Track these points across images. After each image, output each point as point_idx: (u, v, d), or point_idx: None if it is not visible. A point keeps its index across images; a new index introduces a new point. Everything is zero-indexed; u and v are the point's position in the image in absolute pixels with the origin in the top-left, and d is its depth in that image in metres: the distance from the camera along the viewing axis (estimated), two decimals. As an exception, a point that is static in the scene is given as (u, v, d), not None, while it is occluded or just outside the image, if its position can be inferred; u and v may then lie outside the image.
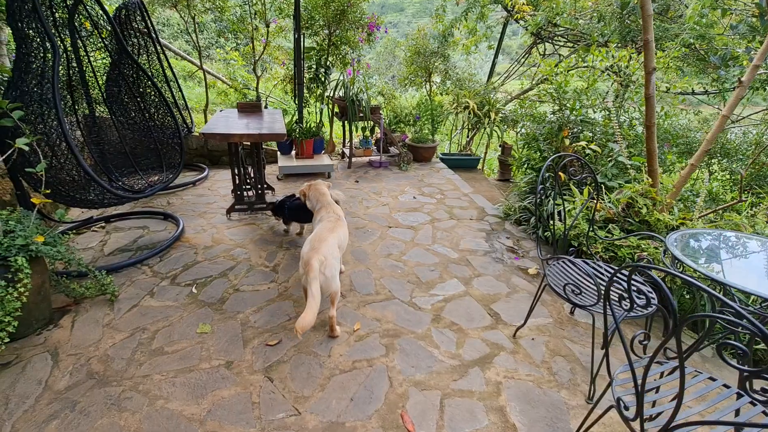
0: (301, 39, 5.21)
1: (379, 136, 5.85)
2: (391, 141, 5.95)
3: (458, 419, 1.84)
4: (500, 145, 6.22)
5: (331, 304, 2.29)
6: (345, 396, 1.94)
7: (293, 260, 3.13)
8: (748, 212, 2.81)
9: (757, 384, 1.06)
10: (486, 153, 6.77)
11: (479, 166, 6.52)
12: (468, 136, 6.80)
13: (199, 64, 5.76)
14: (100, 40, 3.14)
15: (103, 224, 3.60)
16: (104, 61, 3.38)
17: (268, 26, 5.51)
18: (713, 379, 1.48)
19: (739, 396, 1.42)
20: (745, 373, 0.85)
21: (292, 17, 5.14)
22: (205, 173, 4.93)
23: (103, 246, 3.24)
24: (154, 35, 4.12)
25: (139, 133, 3.60)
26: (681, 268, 1.76)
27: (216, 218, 3.82)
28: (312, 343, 2.27)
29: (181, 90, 4.78)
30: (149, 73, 3.54)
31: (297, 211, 3.28)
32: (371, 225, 3.81)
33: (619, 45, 4.96)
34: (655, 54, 3.93)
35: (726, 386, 1.45)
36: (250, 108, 4.23)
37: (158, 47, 4.23)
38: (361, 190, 4.77)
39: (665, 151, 3.79)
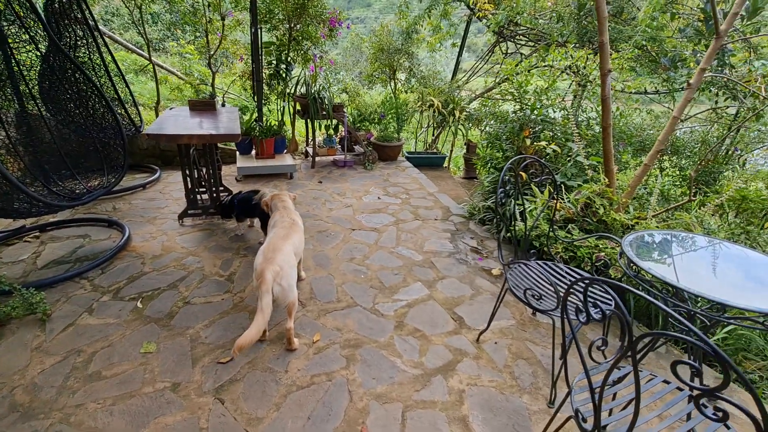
0: (259, 33, 4.98)
1: (343, 134, 5.71)
2: (355, 139, 5.83)
3: (420, 433, 1.78)
4: (465, 144, 6.24)
5: (288, 315, 2.17)
6: (302, 414, 1.83)
7: (250, 268, 2.96)
8: (696, 211, 2.93)
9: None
10: (452, 151, 6.79)
11: (445, 164, 6.53)
12: (433, 135, 6.79)
13: (148, 57, 5.39)
14: (24, 30, 2.82)
15: (38, 234, 3.28)
16: (32, 54, 3.05)
17: (223, 19, 5.23)
18: (667, 383, 1.49)
19: (691, 398, 1.44)
20: (698, 392, 0.82)
21: (248, 10, 4.90)
22: (157, 175, 4.63)
23: (36, 258, 2.94)
24: (92, 24, 3.79)
25: (77, 133, 3.29)
26: (636, 270, 1.78)
27: (167, 224, 3.58)
28: (268, 358, 2.14)
29: (127, 85, 4.43)
30: (83, 67, 3.23)
31: (245, 204, 3.21)
32: (334, 228, 3.69)
33: (577, 45, 5.07)
34: (610, 55, 4.03)
35: (680, 389, 1.46)
36: (203, 106, 3.98)
37: (99, 39, 3.89)
38: (325, 191, 4.63)
39: (621, 151, 3.90)
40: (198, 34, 5.57)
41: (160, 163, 5.12)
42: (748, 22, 3.88)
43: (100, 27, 5.42)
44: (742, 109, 4.61)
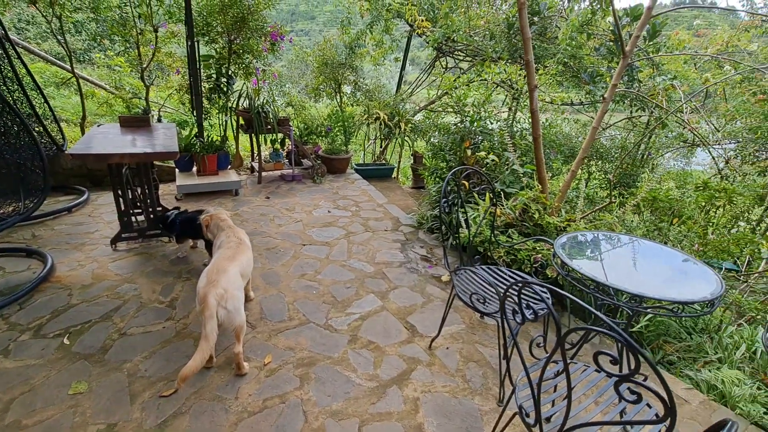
0: (196, 46, 4.81)
1: (290, 148, 5.64)
2: (303, 153, 5.78)
3: (377, 446, 1.78)
4: (412, 155, 6.42)
5: (237, 339, 2.08)
6: (255, 442, 1.76)
7: (194, 291, 2.80)
8: (617, 211, 3.25)
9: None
10: (400, 162, 6.95)
11: (394, 175, 6.66)
12: (381, 146, 6.91)
13: (71, 69, 4.98)
14: None
15: (-63, 269, 2.88)
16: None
17: (156, 31, 4.98)
18: (599, 371, 1.63)
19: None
20: (616, 379, 0.91)
21: (184, 23, 4.72)
22: (85, 197, 4.25)
23: (-65, 298, 2.57)
24: (2, 32, 3.45)
25: (-15, 155, 2.95)
26: (567, 269, 1.93)
27: (98, 250, 3.30)
28: (216, 386, 2.04)
29: (46, 100, 4.07)
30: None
31: (188, 224, 3.03)
32: (284, 244, 3.62)
33: (509, 61, 5.45)
34: (537, 71, 4.38)
35: (610, 376, 1.60)
36: (136, 122, 3.75)
37: (10, 49, 3.54)
38: (273, 207, 4.53)
39: (552, 158, 4.23)
40: (128, 45, 5.25)
41: (88, 183, 4.72)
42: (650, 43, 4.42)
43: (12, 36, 4.94)
44: (651, 118, 5.20)
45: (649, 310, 1.81)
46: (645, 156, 5.58)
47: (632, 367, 0.91)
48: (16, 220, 2.73)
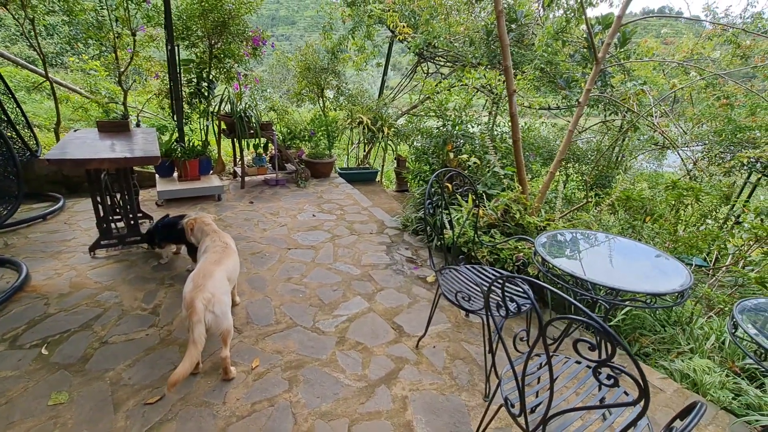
0: (176, 51, 4.76)
1: (273, 153, 5.62)
2: (286, 158, 5.77)
3: (367, 445, 1.80)
4: (396, 158, 6.48)
5: (224, 344, 2.07)
6: (244, 446, 1.76)
7: (178, 298, 2.77)
8: (594, 211, 3.38)
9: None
10: (383, 165, 7.00)
11: (378, 179, 6.70)
12: (365, 150, 6.96)
13: (44, 73, 4.85)
14: None
15: None
16: None
17: (134, 34, 4.90)
18: (579, 363, 1.69)
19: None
20: (594, 365, 0.97)
21: (163, 26, 4.67)
22: (60, 204, 4.13)
23: None
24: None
25: (-45, 161, 2.85)
26: (548, 266, 2.01)
27: (76, 258, 3.21)
28: (203, 392, 2.02)
29: (18, 105, 3.95)
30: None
31: (170, 228, 3.01)
32: (269, 248, 3.60)
33: (489, 66, 5.60)
34: (515, 77, 4.51)
35: (589, 367, 1.68)
36: (115, 127, 3.68)
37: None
38: (257, 212, 4.50)
39: (531, 161, 4.35)
40: (104, 49, 5.14)
41: (63, 190, 4.58)
42: (621, 50, 4.62)
43: (-19, 40, 4.76)
44: (624, 122, 5.43)
45: (626, 303, 1.90)
46: (619, 158, 5.81)
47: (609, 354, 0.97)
48: (-12, 228, 2.64)
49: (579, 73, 4.97)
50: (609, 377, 0.99)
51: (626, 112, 4.98)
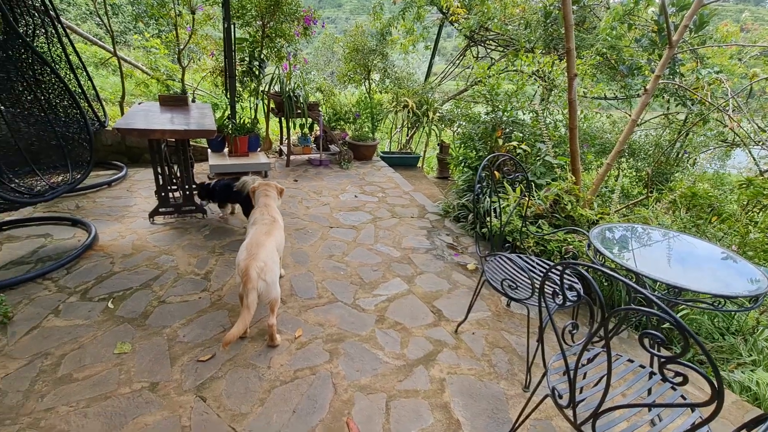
0: (232, 29, 4.89)
1: (318, 133, 5.70)
2: (331, 139, 5.83)
3: (404, 420, 1.83)
4: (438, 144, 6.38)
5: (271, 311, 2.16)
6: (287, 408, 1.84)
7: (227, 266, 2.92)
8: (653, 206, 3.17)
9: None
10: (425, 151, 6.92)
11: (419, 164, 6.64)
12: (407, 135, 6.90)
13: (112, 50, 5.15)
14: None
15: (-8, 233, 3.08)
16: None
17: (193, 13, 5.09)
18: (631, 361, 1.62)
19: (652, 375, 1.58)
20: (662, 360, 0.92)
21: (220, 5, 4.80)
22: (123, 172, 4.44)
23: (-8, 259, 2.76)
24: (53, 14, 3.59)
25: (37, 127, 3.11)
26: (602, 260, 1.91)
27: (137, 223, 3.45)
28: (250, 355, 2.13)
29: (90, 78, 4.23)
30: (47, 59, 3.07)
31: (227, 190, 3.38)
32: (312, 225, 3.69)
33: (544, 51, 5.33)
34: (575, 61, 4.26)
35: (642, 366, 1.60)
36: (174, 101, 3.87)
37: (59, 29, 3.69)
38: (301, 190, 4.61)
39: (585, 151, 4.14)
40: (163, 27, 5.38)
41: (126, 160, 4.91)
42: (696, 35, 4.23)
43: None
44: (690, 115, 5.00)
45: (688, 303, 1.78)
46: (680, 154, 5.38)
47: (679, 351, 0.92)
48: (64, 189, 2.88)
49: (644, 59, 4.62)
50: (678, 375, 0.93)
51: (695, 104, 4.58)
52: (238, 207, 3.68)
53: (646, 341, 0.99)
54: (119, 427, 1.68)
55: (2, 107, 3.07)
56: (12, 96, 3.06)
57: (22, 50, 2.86)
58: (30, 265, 2.71)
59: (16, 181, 2.93)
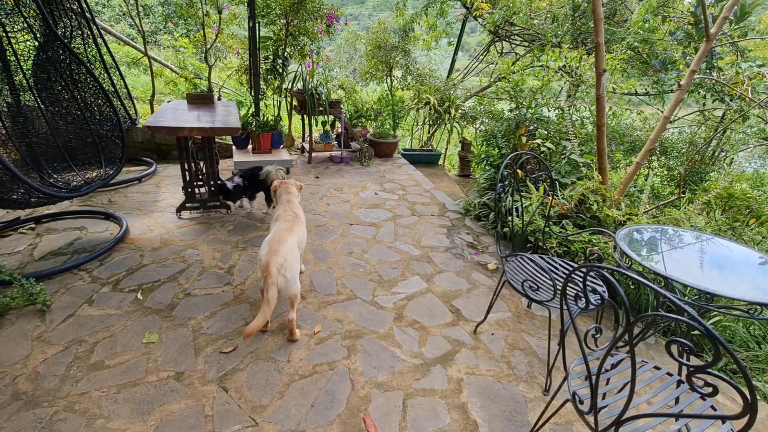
0: (257, 28, 4.97)
1: (339, 130, 5.74)
2: (352, 136, 5.86)
3: (421, 419, 1.83)
4: (460, 142, 6.31)
5: (291, 306, 2.20)
6: (305, 402, 1.87)
7: (249, 261, 2.99)
8: (685, 208, 3.03)
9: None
10: (447, 149, 6.86)
11: (440, 162, 6.59)
12: (429, 132, 6.85)
13: (143, 50, 5.34)
14: (23, 19, 2.79)
15: (33, 225, 3.26)
16: (28, 44, 3.02)
17: (220, 12, 5.20)
18: (658, 368, 1.56)
19: (679, 383, 1.52)
20: (691, 369, 0.88)
21: (246, 4, 4.89)
22: (153, 168, 4.60)
23: (32, 250, 2.92)
24: (89, 16, 3.75)
25: (74, 125, 3.26)
26: (629, 263, 1.85)
27: (165, 217, 3.57)
28: (270, 349, 2.17)
29: (123, 78, 4.40)
30: (83, 59, 3.21)
31: (251, 178, 3.69)
32: (332, 222, 3.73)
33: (571, 46, 5.16)
34: (605, 56, 4.11)
35: (669, 374, 1.54)
36: (201, 99, 3.97)
37: (94, 30, 3.85)
38: (322, 187, 4.66)
39: (613, 149, 4.00)
40: (191, 27, 5.53)
41: (155, 156, 5.09)
42: (736, 26, 4.01)
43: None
44: (728, 111, 4.75)
45: (720, 310, 1.70)
46: (716, 153, 5.12)
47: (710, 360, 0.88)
48: (98, 184, 3.01)
49: (678, 53, 4.41)
50: (707, 384, 0.89)
51: (733, 100, 4.34)
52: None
53: (673, 349, 0.95)
54: (146, 414, 1.76)
55: (43, 106, 3.24)
56: (51, 95, 3.22)
57: (61, 51, 3.01)
58: (67, 256, 2.86)
59: (55, 176, 3.09)
